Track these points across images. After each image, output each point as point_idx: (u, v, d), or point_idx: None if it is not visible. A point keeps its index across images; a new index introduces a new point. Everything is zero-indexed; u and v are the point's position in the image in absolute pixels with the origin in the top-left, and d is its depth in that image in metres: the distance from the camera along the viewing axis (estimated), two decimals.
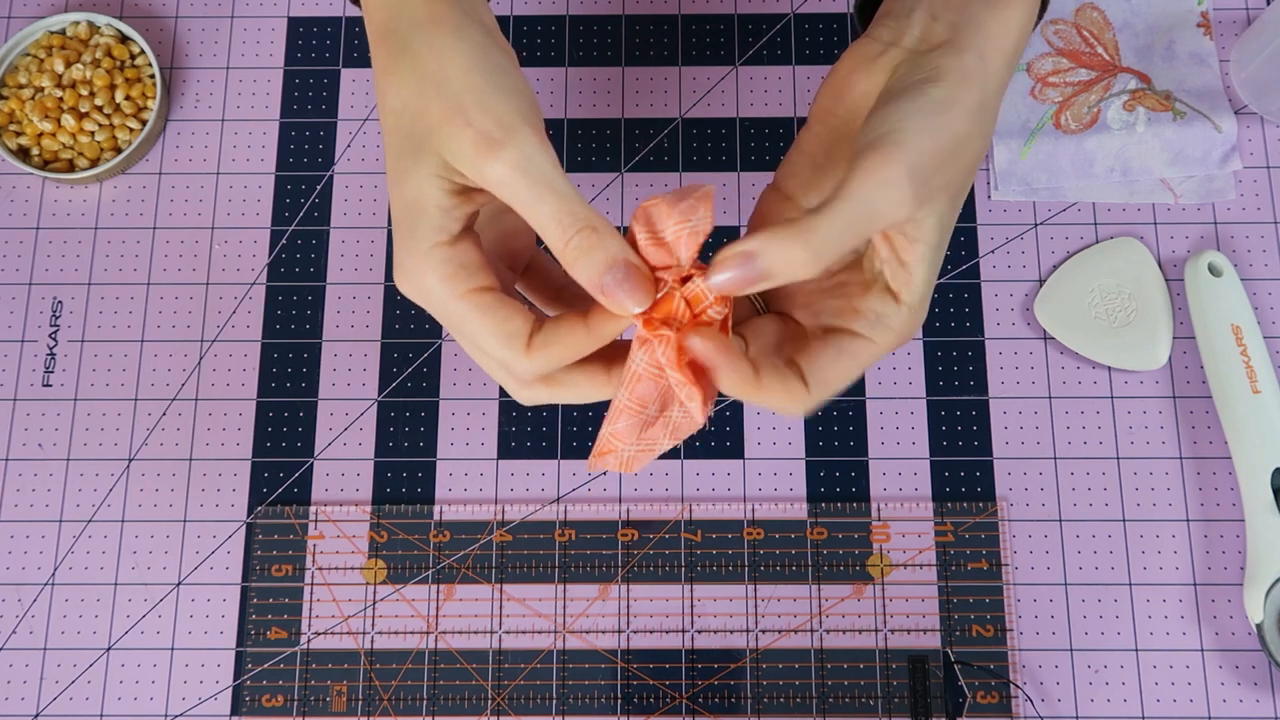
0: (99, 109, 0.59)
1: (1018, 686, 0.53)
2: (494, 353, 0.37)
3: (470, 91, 0.36)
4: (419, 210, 0.37)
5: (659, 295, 0.35)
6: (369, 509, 0.56)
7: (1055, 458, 0.56)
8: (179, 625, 0.55)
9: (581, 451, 0.57)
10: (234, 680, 0.54)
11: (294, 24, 0.63)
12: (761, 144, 0.60)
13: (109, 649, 0.55)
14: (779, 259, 0.33)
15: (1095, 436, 0.56)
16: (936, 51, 0.38)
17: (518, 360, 0.36)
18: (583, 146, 0.61)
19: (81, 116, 0.59)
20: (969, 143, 0.36)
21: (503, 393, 0.57)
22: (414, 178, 0.37)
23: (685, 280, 0.35)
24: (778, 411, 0.40)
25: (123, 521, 0.56)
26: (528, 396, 0.38)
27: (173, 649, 0.55)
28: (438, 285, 0.36)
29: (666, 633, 0.54)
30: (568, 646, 0.54)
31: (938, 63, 0.37)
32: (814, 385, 0.36)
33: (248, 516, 0.56)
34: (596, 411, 0.57)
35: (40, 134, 0.59)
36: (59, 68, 0.60)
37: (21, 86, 0.60)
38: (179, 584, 0.55)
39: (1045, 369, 0.57)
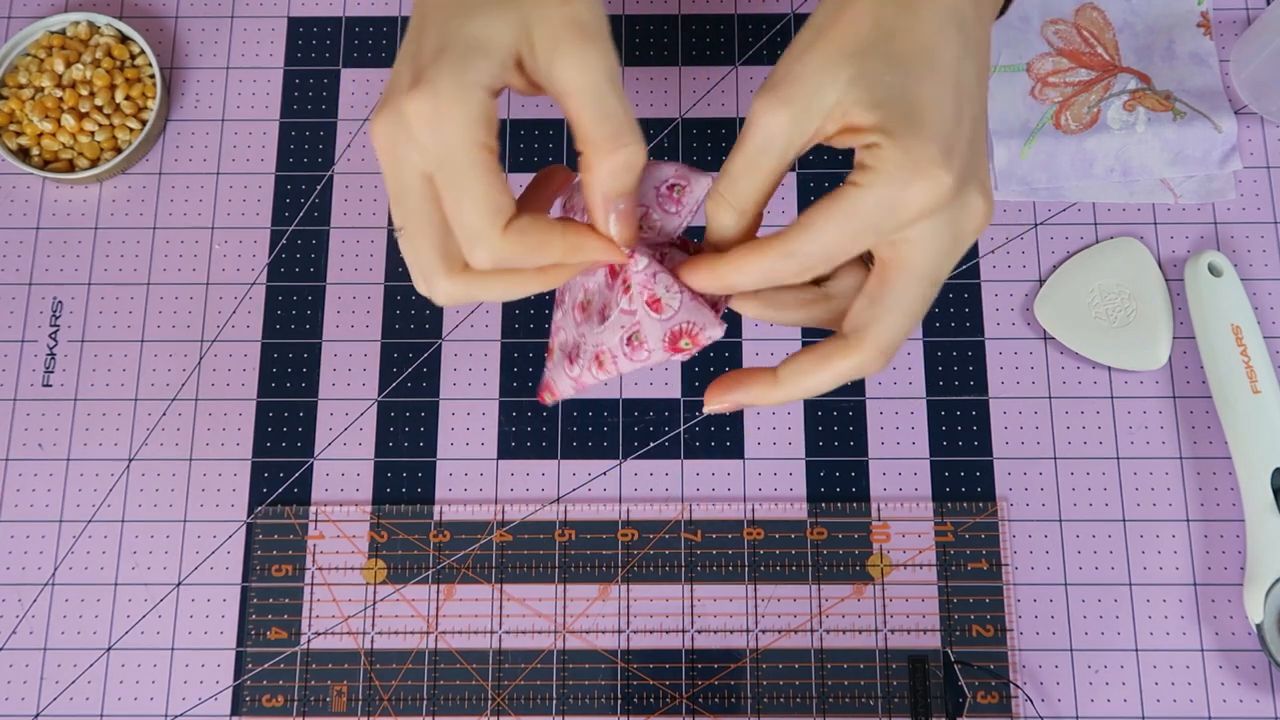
0: (99, 109, 0.59)
1: (1018, 686, 0.53)
2: (469, 221, 0.34)
3: None
4: (483, 47, 0.34)
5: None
6: (369, 509, 0.56)
7: (1055, 458, 0.56)
8: (179, 625, 0.55)
9: (582, 452, 0.57)
10: (234, 680, 0.54)
11: (294, 24, 0.63)
12: None
13: (109, 649, 0.55)
14: (711, 222, 0.37)
15: (1095, 436, 0.56)
16: None
17: (488, 237, 0.34)
18: None
19: (81, 116, 0.59)
20: (838, 8, 0.35)
21: (503, 393, 0.58)
22: (492, 18, 0.34)
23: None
24: (759, 278, 0.37)
25: (123, 521, 0.56)
26: (445, 290, 0.36)
27: (173, 649, 0.55)
28: (464, 124, 0.34)
29: (666, 633, 0.54)
30: (568, 646, 0.54)
31: None
32: (790, 230, 0.35)
33: (248, 516, 0.56)
34: (596, 412, 0.57)
35: (40, 134, 0.59)
36: (59, 68, 0.60)
37: (21, 86, 0.60)
38: (179, 584, 0.55)
39: (1045, 369, 0.57)
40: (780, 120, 0.34)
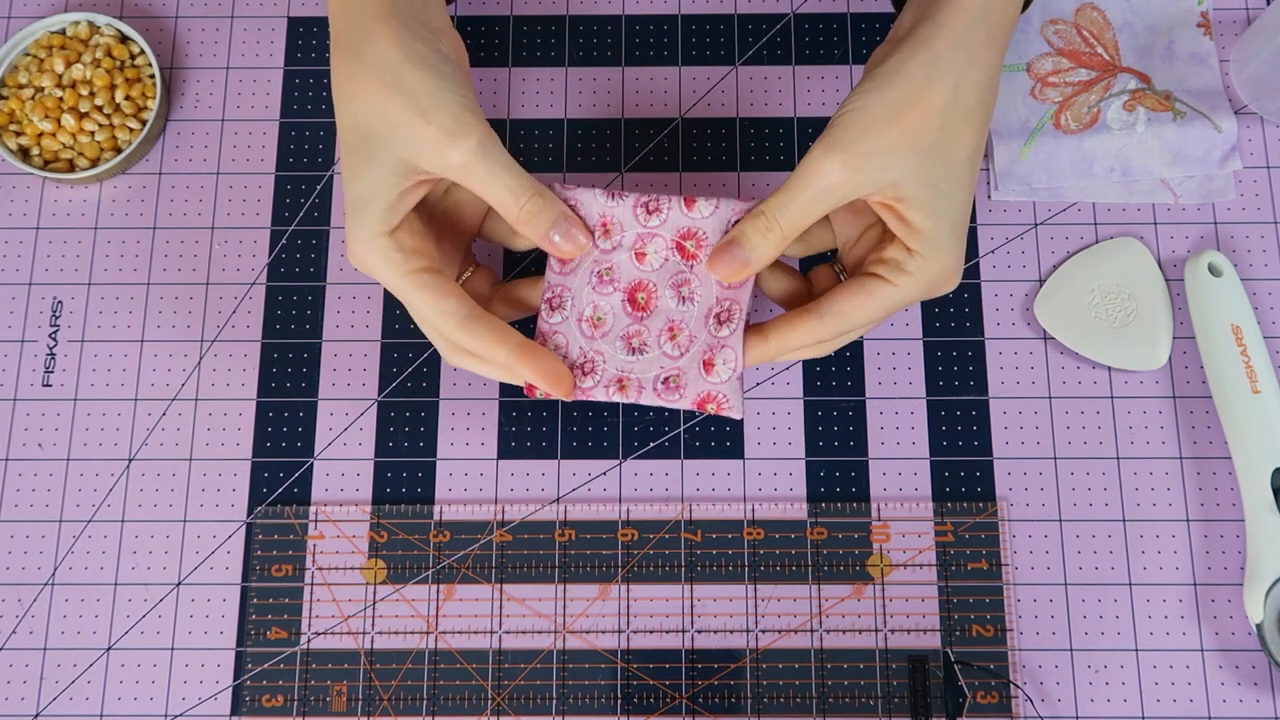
0: (99, 109, 0.59)
1: (1018, 686, 0.53)
2: (432, 323, 0.44)
3: (425, 93, 0.41)
4: (367, 202, 0.43)
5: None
6: (369, 509, 0.56)
7: (1055, 458, 0.56)
8: (179, 625, 0.55)
9: (582, 452, 0.57)
10: (234, 680, 0.54)
11: (294, 24, 0.63)
12: (761, 144, 0.60)
13: (109, 649, 0.55)
14: (752, 245, 0.43)
15: (1095, 436, 0.56)
16: (908, 34, 0.43)
17: (450, 335, 0.44)
18: (583, 146, 0.61)
19: (81, 116, 0.59)
20: (912, 103, 0.41)
21: (503, 393, 0.58)
22: (368, 174, 0.42)
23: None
24: (800, 349, 0.45)
25: (123, 521, 0.56)
26: (455, 360, 0.46)
27: (173, 649, 0.55)
28: (381, 266, 0.43)
29: (666, 633, 0.54)
30: (568, 646, 0.54)
31: (900, 43, 0.43)
32: (828, 314, 0.43)
33: (248, 516, 0.56)
34: (596, 412, 0.57)
35: (40, 134, 0.59)
36: (59, 68, 0.60)
37: (21, 86, 0.60)
38: (179, 584, 0.55)
39: (1045, 369, 0.57)
40: (845, 180, 0.41)
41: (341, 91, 0.43)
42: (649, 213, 0.47)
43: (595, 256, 0.47)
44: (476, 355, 0.45)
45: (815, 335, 0.44)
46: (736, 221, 0.45)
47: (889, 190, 0.42)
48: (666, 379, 0.45)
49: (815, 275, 0.49)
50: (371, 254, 0.43)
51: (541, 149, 0.61)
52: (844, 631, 0.54)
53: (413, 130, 0.41)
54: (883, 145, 0.41)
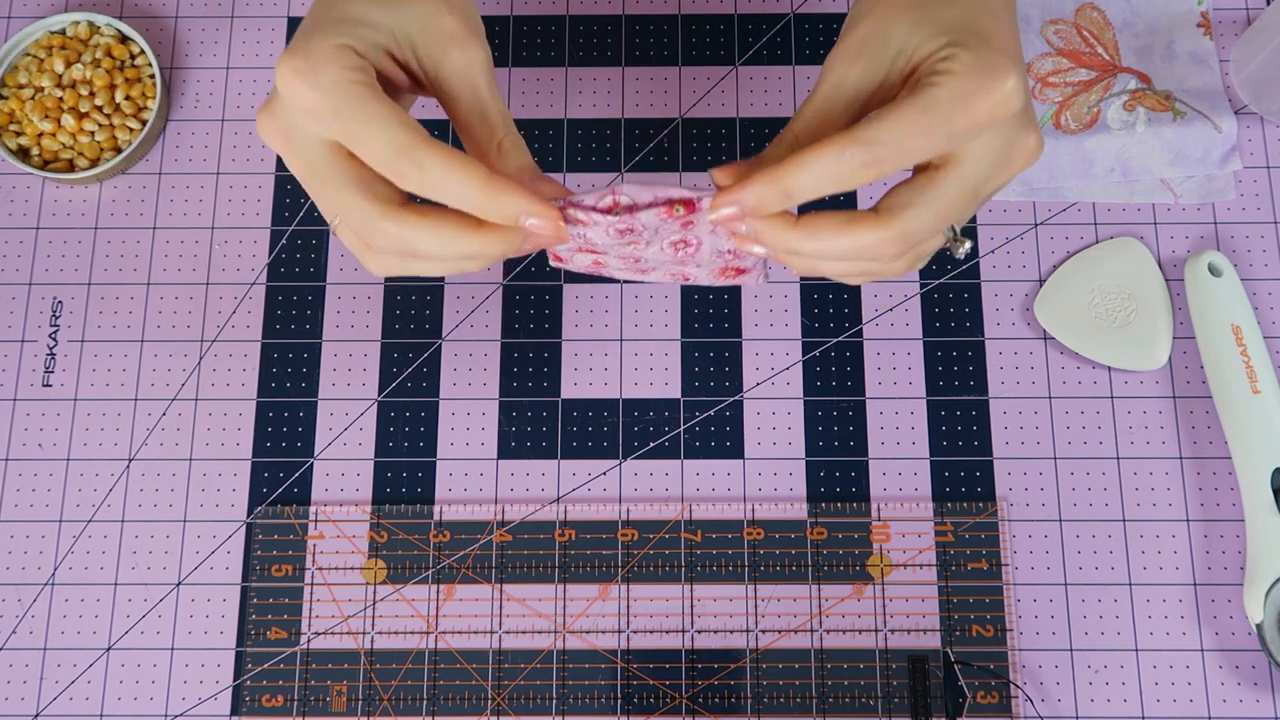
0: (99, 109, 0.59)
1: (1018, 686, 0.53)
2: (386, 150, 0.34)
3: None
4: (355, 21, 0.36)
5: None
6: (369, 509, 0.56)
7: (1055, 458, 0.56)
8: (179, 625, 0.55)
9: (582, 452, 0.57)
10: (234, 680, 0.54)
11: (294, 24, 0.63)
12: (761, 144, 0.60)
13: (109, 649, 0.55)
14: (767, 154, 0.38)
15: (1095, 436, 0.56)
16: None
17: (414, 147, 0.34)
18: (583, 146, 0.61)
19: (81, 116, 0.59)
20: None
21: (503, 393, 0.57)
22: (366, 8, 0.37)
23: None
24: (868, 253, 0.36)
25: (123, 521, 0.56)
26: (385, 237, 0.36)
27: (173, 649, 0.55)
28: (340, 69, 0.35)
29: (666, 633, 0.54)
30: (568, 646, 0.54)
31: None
32: (862, 123, 0.34)
33: (248, 516, 0.56)
34: (596, 412, 0.57)
35: (40, 134, 0.59)
36: (59, 68, 0.60)
37: (21, 86, 0.60)
38: (179, 584, 0.55)
39: (1045, 369, 0.57)
40: (854, 69, 0.36)
41: None
42: (678, 248, 0.39)
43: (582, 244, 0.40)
44: (445, 181, 0.35)
45: (850, 140, 0.34)
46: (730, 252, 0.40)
47: (902, 61, 0.36)
48: (677, 242, 0.39)
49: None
50: (332, 58, 0.35)
51: (541, 149, 0.61)
52: (844, 631, 0.54)
53: (434, 13, 0.37)
54: (875, 20, 0.37)
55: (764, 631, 0.54)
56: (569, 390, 0.57)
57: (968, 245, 0.38)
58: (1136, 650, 0.54)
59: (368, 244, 0.37)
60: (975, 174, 0.36)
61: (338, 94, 0.34)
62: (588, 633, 0.54)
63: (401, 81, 0.39)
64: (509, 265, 0.59)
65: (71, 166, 0.60)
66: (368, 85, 0.35)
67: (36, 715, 0.54)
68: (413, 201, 0.37)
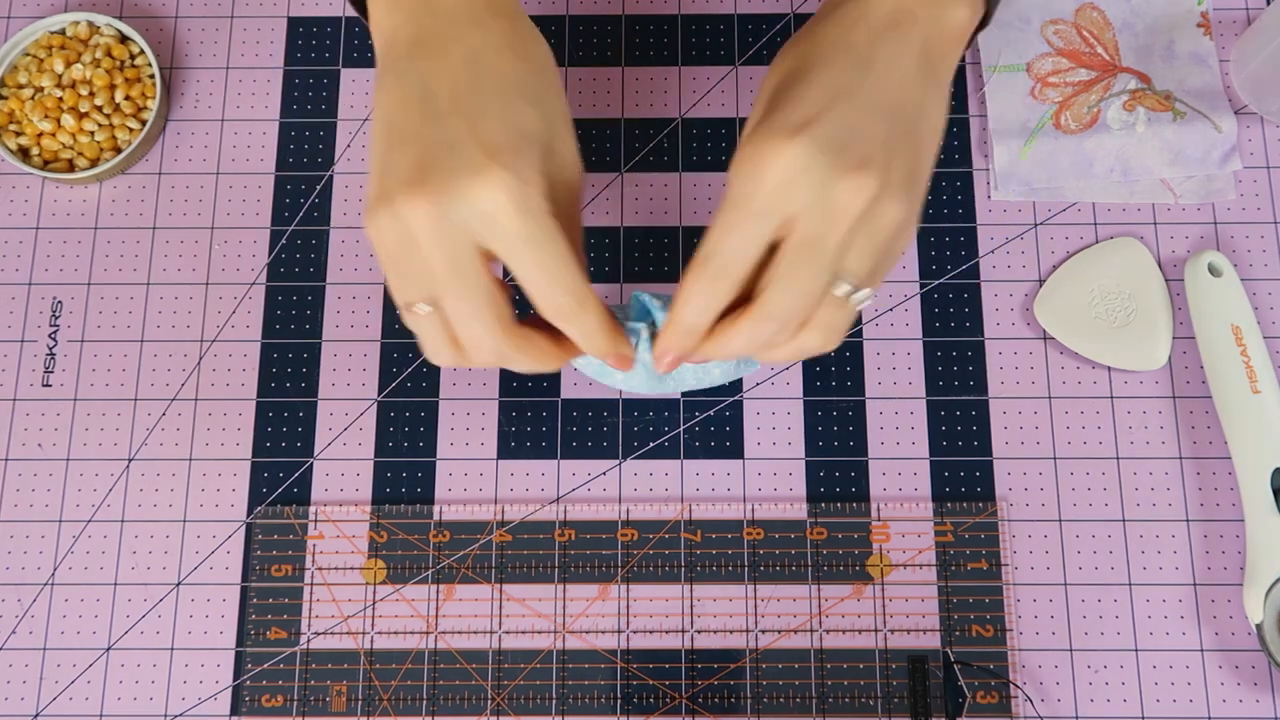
0: (99, 109, 0.59)
1: (1018, 686, 0.53)
2: (563, 275, 0.37)
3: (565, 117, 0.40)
4: (537, 141, 0.38)
5: None
6: (369, 509, 0.56)
7: (1055, 458, 0.56)
8: (179, 625, 0.55)
9: (582, 452, 0.57)
10: (234, 680, 0.54)
11: (294, 24, 0.63)
12: None
13: (109, 649, 0.55)
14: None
15: (1095, 436, 0.56)
16: None
17: (577, 281, 0.37)
18: (582, 147, 0.60)
19: (81, 116, 0.59)
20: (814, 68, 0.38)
21: (503, 393, 0.57)
22: (533, 118, 0.38)
23: None
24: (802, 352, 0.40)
25: (123, 521, 0.56)
26: (506, 347, 0.39)
27: (172, 649, 0.55)
28: (543, 200, 0.36)
29: (666, 633, 0.54)
30: (568, 646, 0.54)
31: None
32: (700, 246, 0.38)
33: (247, 516, 0.56)
34: (596, 412, 0.57)
35: (40, 134, 0.59)
36: (59, 68, 0.60)
37: (21, 86, 0.60)
38: (179, 584, 0.55)
39: (1045, 369, 0.57)
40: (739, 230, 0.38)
41: (491, 30, 0.39)
42: None
43: None
44: (530, 338, 0.40)
45: (696, 280, 0.38)
46: None
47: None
48: None
49: None
50: (538, 185, 0.36)
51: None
52: (844, 631, 0.54)
53: (562, 129, 0.40)
54: (747, 140, 0.39)
55: (764, 631, 0.54)
56: (569, 390, 0.57)
57: (863, 295, 0.38)
58: (1136, 650, 0.54)
59: (461, 346, 0.39)
60: (807, 232, 0.36)
61: (539, 225, 0.36)
62: (588, 633, 0.54)
63: None
64: None
65: (71, 166, 0.60)
66: (558, 222, 0.37)
67: (36, 715, 0.54)
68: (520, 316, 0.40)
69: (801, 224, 0.36)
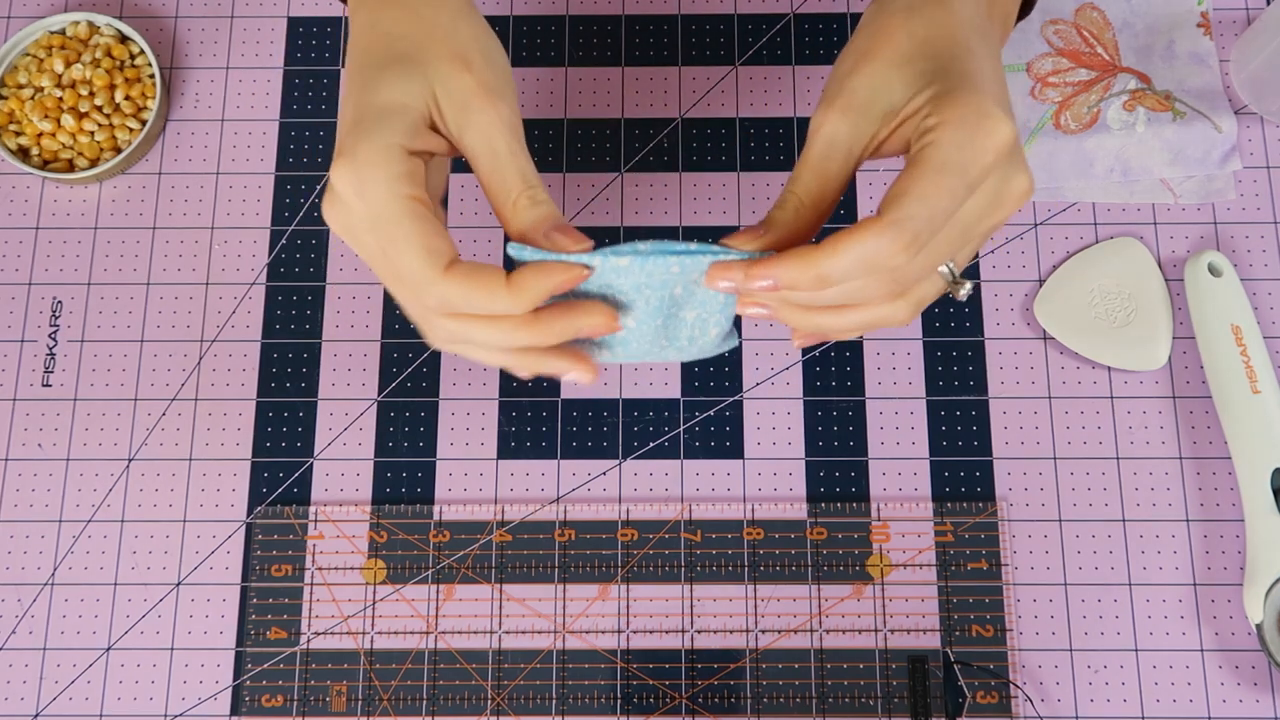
0: (99, 109, 0.59)
1: (1018, 686, 0.53)
2: (412, 267, 0.37)
3: (475, 45, 0.39)
4: (394, 111, 0.37)
5: None
6: (369, 509, 0.56)
7: (1055, 458, 0.56)
8: (179, 625, 0.55)
9: (582, 452, 0.57)
10: (234, 680, 0.54)
11: (294, 24, 0.63)
12: (761, 144, 0.60)
13: (109, 649, 0.55)
14: (775, 219, 0.38)
15: (1095, 436, 0.56)
16: None
17: (432, 280, 0.36)
18: (582, 146, 0.61)
19: (81, 116, 0.59)
20: (893, 29, 0.38)
21: (503, 393, 0.57)
22: (397, 86, 0.38)
23: None
24: (893, 286, 0.36)
25: (123, 521, 0.56)
26: (439, 334, 0.39)
27: (172, 649, 0.55)
28: (384, 182, 0.36)
29: (666, 633, 0.54)
30: (568, 646, 0.54)
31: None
32: (886, 205, 0.35)
33: (247, 516, 0.56)
34: (596, 412, 0.57)
35: (40, 134, 0.59)
36: (59, 68, 0.60)
37: (21, 86, 0.60)
38: (179, 584, 0.55)
39: (1045, 369, 0.57)
40: (843, 128, 0.37)
41: (376, 11, 0.40)
42: None
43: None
44: (463, 308, 0.37)
45: (885, 224, 0.34)
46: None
47: (890, 119, 0.37)
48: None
49: None
50: (382, 163, 0.36)
51: (541, 149, 0.61)
52: (844, 631, 0.54)
53: (454, 73, 0.38)
54: (864, 78, 0.37)
55: (764, 631, 0.54)
56: (569, 390, 0.57)
57: (968, 286, 0.38)
58: (1136, 650, 0.54)
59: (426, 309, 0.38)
60: (975, 207, 0.36)
61: (378, 208, 0.36)
62: (588, 633, 0.54)
63: (442, 148, 0.39)
64: (508, 265, 0.59)
65: (71, 166, 0.60)
66: (407, 201, 0.36)
67: (36, 715, 0.54)
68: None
69: (976, 199, 0.36)
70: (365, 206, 0.37)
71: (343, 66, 0.38)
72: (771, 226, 0.38)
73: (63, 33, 0.61)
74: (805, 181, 0.38)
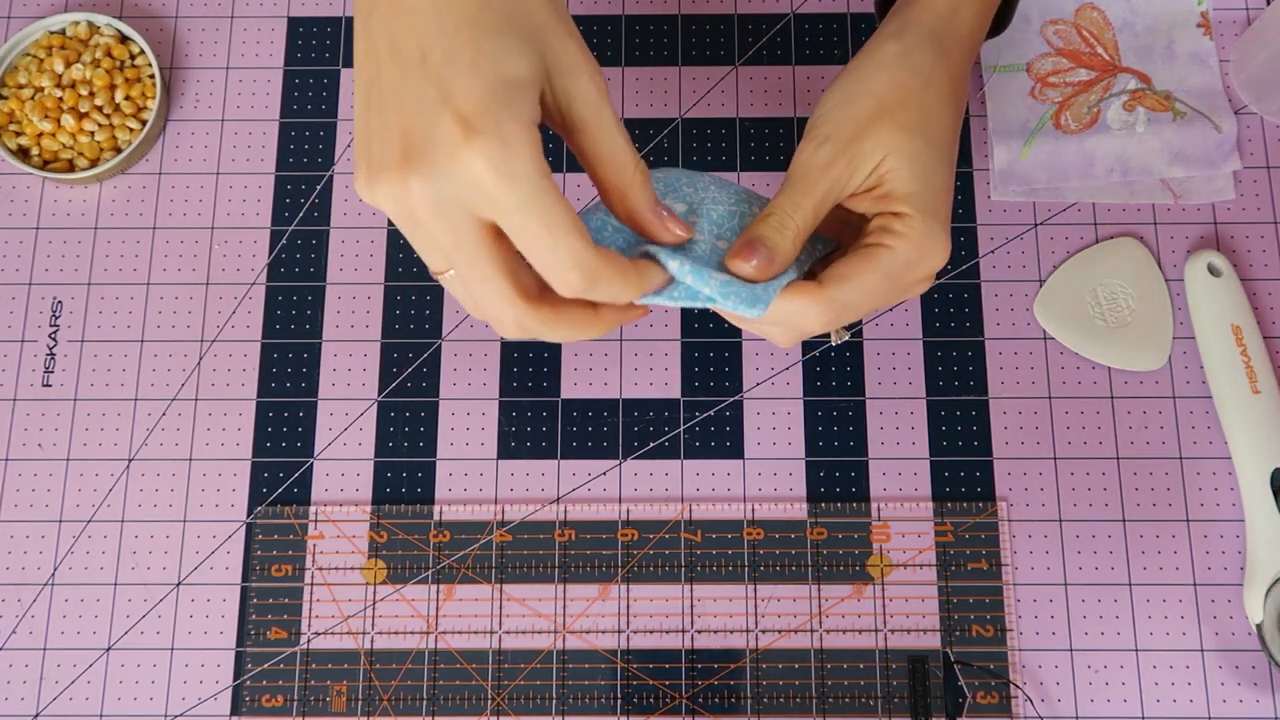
0: (99, 109, 0.59)
1: (1018, 686, 0.53)
2: (567, 245, 0.34)
3: (564, 9, 0.37)
4: (525, 84, 0.34)
5: None
6: (369, 509, 0.56)
7: (1055, 458, 0.56)
8: (179, 625, 0.55)
9: (582, 452, 0.57)
10: (234, 680, 0.54)
11: (294, 24, 0.63)
12: (761, 144, 0.60)
13: (109, 649, 0.55)
14: (774, 243, 0.41)
15: (1095, 436, 0.56)
16: (879, 31, 0.46)
17: (581, 255, 0.35)
18: None
19: (81, 116, 0.59)
20: (891, 88, 0.43)
21: (503, 393, 0.57)
22: (522, 57, 0.35)
23: None
24: (802, 320, 0.41)
25: (123, 521, 0.56)
26: (521, 323, 0.37)
27: (173, 649, 0.55)
28: (534, 163, 0.34)
29: (666, 633, 0.54)
30: (568, 646, 0.54)
31: (874, 38, 0.45)
32: (829, 280, 0.41)
33: (248, 516, 0.56)
34: (596, 412, 0.57)
35: (40, 134, 0.59)
36: (59, 68, 0.60)
37: (21, 86, 0.60)
38: (179, 584, 0.55)
39: (1045, 369, 0.57)
40: (844, 168, 0.42)
41: None
42: None
43: None
44: (599, 285, 0.36)
45: (817, 306, 0.40)
46: None
47: (879, 170, 0.42)
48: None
49: None
50: (527, 141, 0.33)
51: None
52: (844, 631, 0.54)
53: (562, 39, 0.36)
54: (871, 129, 0.42)
55: (764, 631, 0.54)
56: (569, 390, 0.57)
57: (847, 336, 0.44)
58: (1136, 650, 0.54)
59: (497, 320, 0.38)
60: (899, 260, 0.42)
61: (527, 190, 0.34)
62: (588, 633, 0.54)
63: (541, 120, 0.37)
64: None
65: (71, 166, 0.60)
66: (554, 184, 0.34)
67: (36, 715, 0.54)
68: (545, 292, 0.37)
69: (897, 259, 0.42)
70: (514, 189, 0.33)
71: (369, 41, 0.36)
72: (776, 255, 0.41)
73: (63, 33, 0.61)
74: (805, 215, 0.41)
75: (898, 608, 0.54)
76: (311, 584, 0.55)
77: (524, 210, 0.34)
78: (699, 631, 0.54)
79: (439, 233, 0.35)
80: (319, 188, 0.60)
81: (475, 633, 0.54)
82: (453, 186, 0.34)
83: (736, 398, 0.57)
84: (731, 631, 0.54)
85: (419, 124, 0.34)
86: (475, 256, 0.35)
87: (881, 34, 0.45)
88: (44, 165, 0.59)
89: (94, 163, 0.59)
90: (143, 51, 0.61)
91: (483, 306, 0.37)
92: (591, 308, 0.38)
